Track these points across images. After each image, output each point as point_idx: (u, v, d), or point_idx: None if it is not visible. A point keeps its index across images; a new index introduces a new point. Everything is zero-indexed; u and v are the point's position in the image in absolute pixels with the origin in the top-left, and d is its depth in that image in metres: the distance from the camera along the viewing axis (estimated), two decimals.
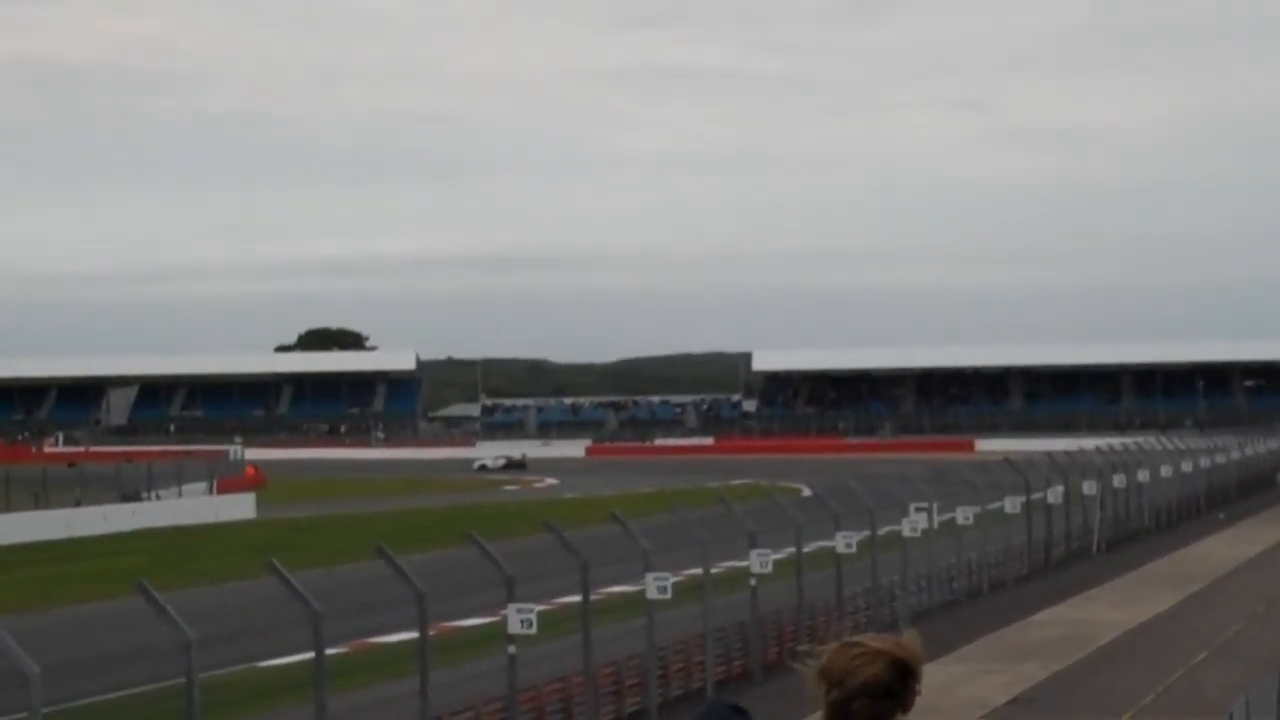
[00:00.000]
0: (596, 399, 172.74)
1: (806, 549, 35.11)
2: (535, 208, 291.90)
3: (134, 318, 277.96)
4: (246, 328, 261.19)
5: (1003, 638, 36.71)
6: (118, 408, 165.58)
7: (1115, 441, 74.63)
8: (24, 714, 18.17)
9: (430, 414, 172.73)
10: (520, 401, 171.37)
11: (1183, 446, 72.08)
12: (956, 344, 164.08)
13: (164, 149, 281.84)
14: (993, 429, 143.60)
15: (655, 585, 28.41)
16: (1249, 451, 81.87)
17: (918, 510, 40.30)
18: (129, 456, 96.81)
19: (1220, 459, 74.30)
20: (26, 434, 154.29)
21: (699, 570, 30.93)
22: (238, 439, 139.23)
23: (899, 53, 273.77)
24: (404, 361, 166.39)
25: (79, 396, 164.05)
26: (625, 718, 28.05)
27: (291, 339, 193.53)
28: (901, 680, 5.26)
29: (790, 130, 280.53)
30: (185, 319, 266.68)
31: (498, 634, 26.18)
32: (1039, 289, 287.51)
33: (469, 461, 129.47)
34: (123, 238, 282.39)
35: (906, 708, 5.29)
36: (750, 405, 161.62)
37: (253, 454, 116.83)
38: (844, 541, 35.91)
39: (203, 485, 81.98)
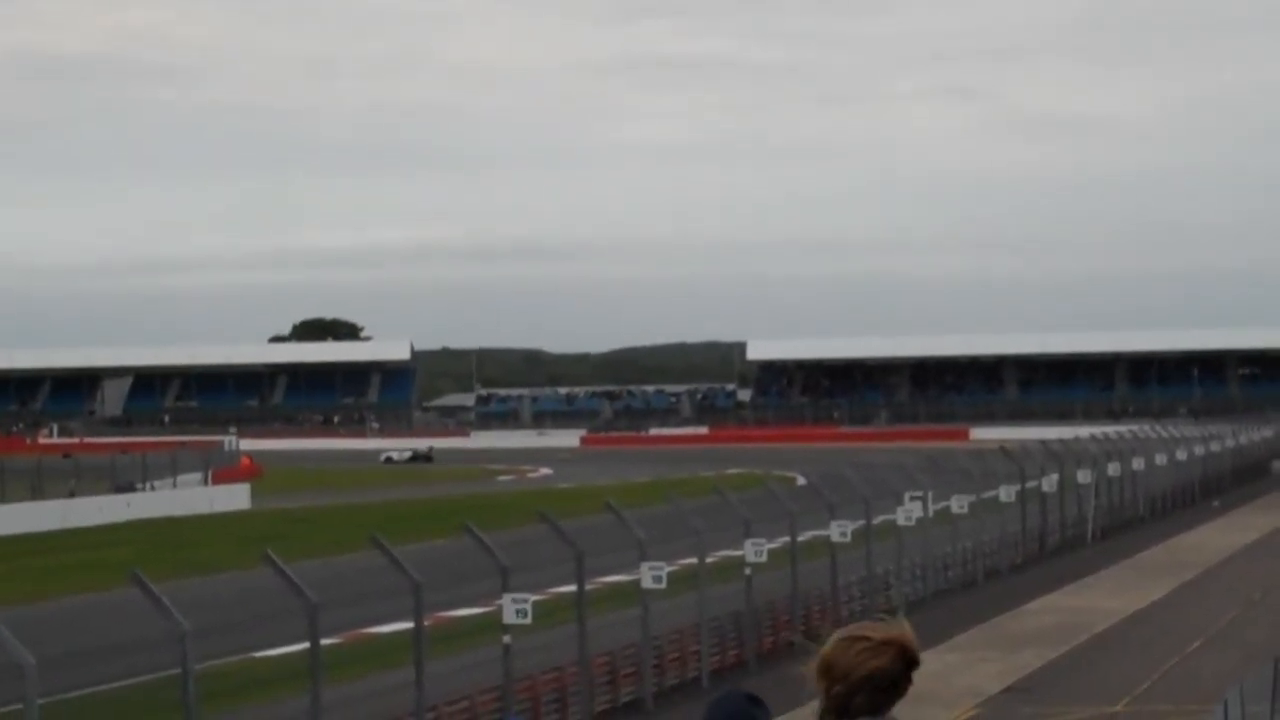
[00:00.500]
0: (591, 388, 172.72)
1: (801, 538, 35.13)
2: (531, 198, 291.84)
3: (128, 308, 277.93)
4: (241, 318, 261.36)
5: (998, 626, 36.74)
6: (112, 398, 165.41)
7: (1110, 430, 74.74)
8: (19, 705, 18.18)
9: (425, 404, 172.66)
10: (515, 391, 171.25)
11: (1177, 435, 72.18)
12: (951, 333, 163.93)
13: (161, 141, 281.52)
14: (988, 418, 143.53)
15: (650, 575, 28.42)
16: (1244, 440, 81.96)
17: (913, 499, 40.33)
18: (124, 447, 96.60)
19: (1215, 447, 74.39)
20: (21, 425, 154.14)
21: (694, 560, 30.97)
22: (232, 429, 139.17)
23: (898, 42, 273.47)
24: (399, 351, 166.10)
25: (74, 387, 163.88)
26: (620, 707, 28.07)
27: (286, 329, 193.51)
28: (906, 670, 5.18)
29: (789, 120, 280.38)
30: (180, 310, 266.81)
31: (493, 624, 26.20)
32: (1034, 278, 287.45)
33: (378, 453, 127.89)
34: (119, 229, 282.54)
35: (902, 695, 5.26)
36: (745, 394, 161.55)
37: (247, 444, 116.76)
38: (839, 530, 35.94)
39: (198, 476, 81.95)
